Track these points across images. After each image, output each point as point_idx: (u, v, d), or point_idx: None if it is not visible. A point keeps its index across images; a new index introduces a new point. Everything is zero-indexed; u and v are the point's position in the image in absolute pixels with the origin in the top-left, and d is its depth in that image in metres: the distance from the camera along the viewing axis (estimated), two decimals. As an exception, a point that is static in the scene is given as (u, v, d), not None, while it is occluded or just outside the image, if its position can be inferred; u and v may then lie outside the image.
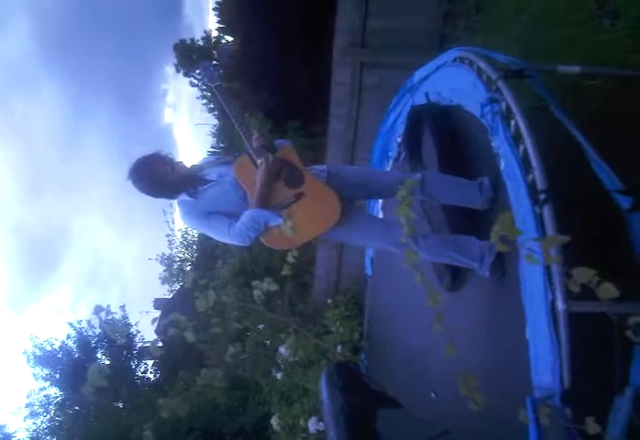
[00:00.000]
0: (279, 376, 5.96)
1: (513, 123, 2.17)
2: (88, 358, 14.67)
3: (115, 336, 1.76)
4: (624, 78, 2.92)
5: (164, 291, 17.27)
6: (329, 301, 6.41)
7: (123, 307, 15.81)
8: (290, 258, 1.61)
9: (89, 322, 13.43)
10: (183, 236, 15.25)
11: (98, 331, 14.63)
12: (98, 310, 1.64)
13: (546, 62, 2.94)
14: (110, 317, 14.05)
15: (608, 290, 1.10)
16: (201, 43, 18.28)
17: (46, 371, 15.32)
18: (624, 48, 3.03)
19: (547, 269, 1.77)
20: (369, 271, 5.07)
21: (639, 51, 2.94)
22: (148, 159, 2.50)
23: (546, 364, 1.78)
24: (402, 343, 3.81)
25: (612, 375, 1.55)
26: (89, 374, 1.47)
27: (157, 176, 2.49)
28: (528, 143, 2.04)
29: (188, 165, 2.61)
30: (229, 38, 15.75)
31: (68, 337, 15.72)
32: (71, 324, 15.71)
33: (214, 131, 16.43)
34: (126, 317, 15.77)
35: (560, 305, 1.74)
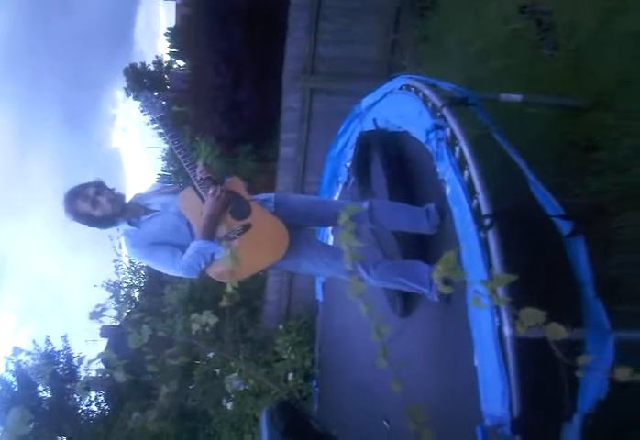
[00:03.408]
0: (229, 406, 5.78)
1: (457, 149, 2.20)
2: (28, 392, 13.87)
3: (37, 379, 1.60)
4: (564, 107, 3.04)
5: (111, 319, 16.58)
6: (280, 326, 6.31)
7: (65, 337, 15.08)
8: (229, 289, 1.53)
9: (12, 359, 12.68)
10: (131, 262, 14.77)
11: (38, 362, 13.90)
12: (16, 352, 1.49)
13: (489, 92, 3.03)
14: (50, 348, 13.37)
15: (556, 330, 1.05)
16: (152, 68, 18.14)
17: (-18, 407, 14.38)
18: (563, 77, 3.15)
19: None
20: (320, 297, 5.01)
21: (577, 81, 3.06)
22: (69, 195, 2.45)
23: (495, 391, 1.77)
24: (354, 369, 3.75)
25: (561, 402, 1.55)
26: (8, 420, 1.30)
27: (79, 213, 2.46)
28: (472, 169, 2.07)
29: (126, 197, 2.54)
30: (181, 63, 15.72)
31: (7, 370, 14.85)
32: (8, 358, 14.86)
33: (164, 155, 16.20)
34: (68, 348, 15.03)
35: (507, 331, 1.74)
